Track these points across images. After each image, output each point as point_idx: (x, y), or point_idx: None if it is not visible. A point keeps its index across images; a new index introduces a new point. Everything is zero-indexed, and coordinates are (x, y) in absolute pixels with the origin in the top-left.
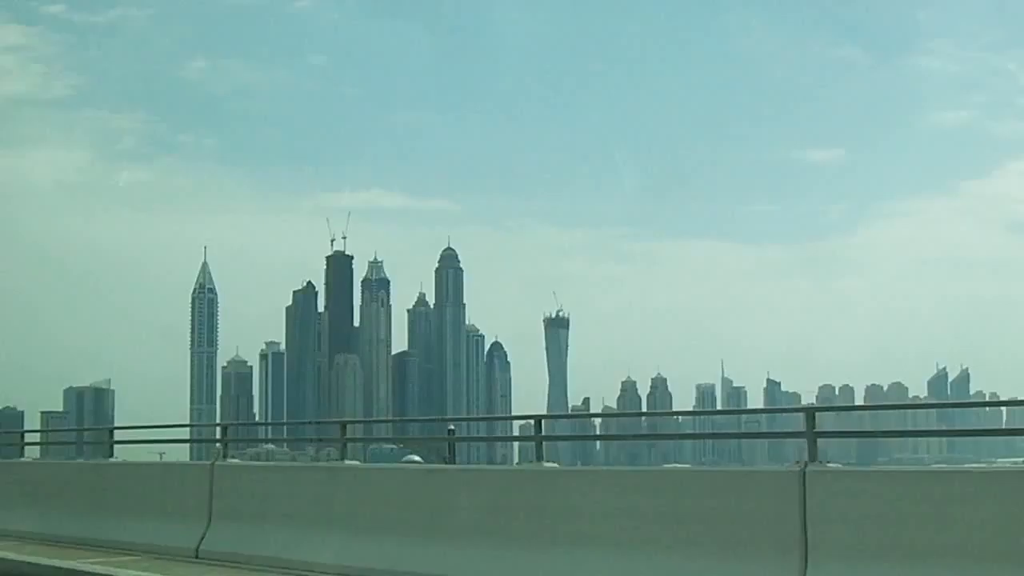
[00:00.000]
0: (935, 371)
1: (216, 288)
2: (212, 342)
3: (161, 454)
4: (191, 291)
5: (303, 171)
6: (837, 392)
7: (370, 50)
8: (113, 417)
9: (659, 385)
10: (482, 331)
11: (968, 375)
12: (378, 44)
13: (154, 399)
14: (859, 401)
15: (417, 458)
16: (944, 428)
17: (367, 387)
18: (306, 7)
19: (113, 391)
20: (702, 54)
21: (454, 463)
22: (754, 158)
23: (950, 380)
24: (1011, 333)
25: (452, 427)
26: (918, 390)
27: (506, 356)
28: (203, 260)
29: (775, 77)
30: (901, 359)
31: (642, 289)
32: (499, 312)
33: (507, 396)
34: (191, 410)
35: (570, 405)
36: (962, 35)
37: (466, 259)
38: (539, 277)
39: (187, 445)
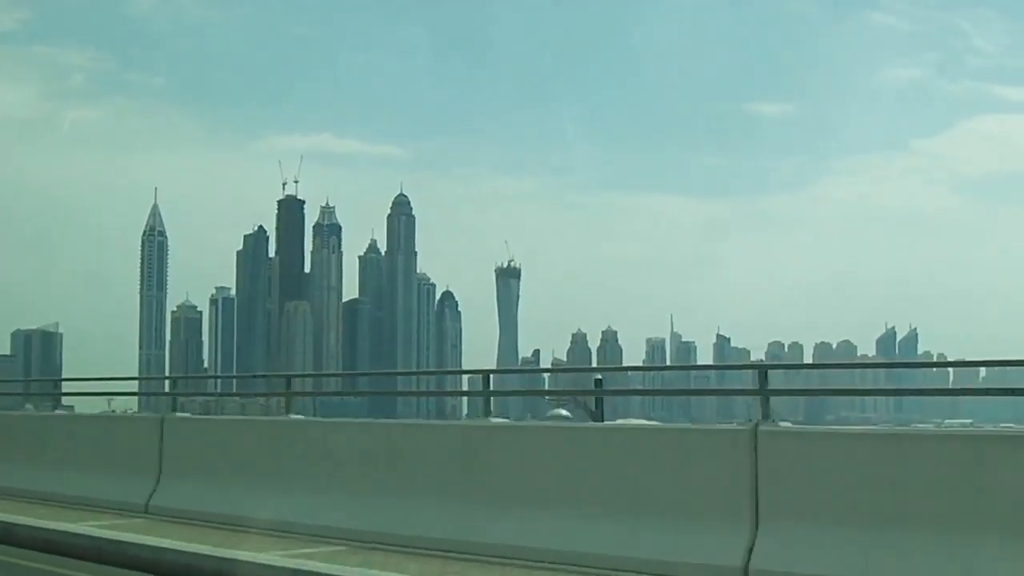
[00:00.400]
0: (884, 330)
1: (166, 231)
2: (162, 286)
3: (110, 400)
4: (141, 234)
5: (254, 112)
6: (786, 349)
7: None
8: (61, 360)
9: (609, 338)
10: (433, 280)
11: (916, 335)
12: None
13: (103, 343)
14: (808, 358)
15: (565, 412)
16: (892, 387)
17: (317, 334)
18: None
19: (61, 334)
20: (656, 4)
21: (601, 419)
22: (704, 110)
23: (899, 339)
24: (958, 293)
25: (599, 376)
26: (867, 349)
27: (457, 306)
28: (153, 202)
29: (728, 28)
30: (850, 317)
31: (591, 240)
32: (451, 261)
33: (457, 346)
34: (140, 355)
35: (520, 356)
36: None
37: (418, 207)
38: (491, 226)
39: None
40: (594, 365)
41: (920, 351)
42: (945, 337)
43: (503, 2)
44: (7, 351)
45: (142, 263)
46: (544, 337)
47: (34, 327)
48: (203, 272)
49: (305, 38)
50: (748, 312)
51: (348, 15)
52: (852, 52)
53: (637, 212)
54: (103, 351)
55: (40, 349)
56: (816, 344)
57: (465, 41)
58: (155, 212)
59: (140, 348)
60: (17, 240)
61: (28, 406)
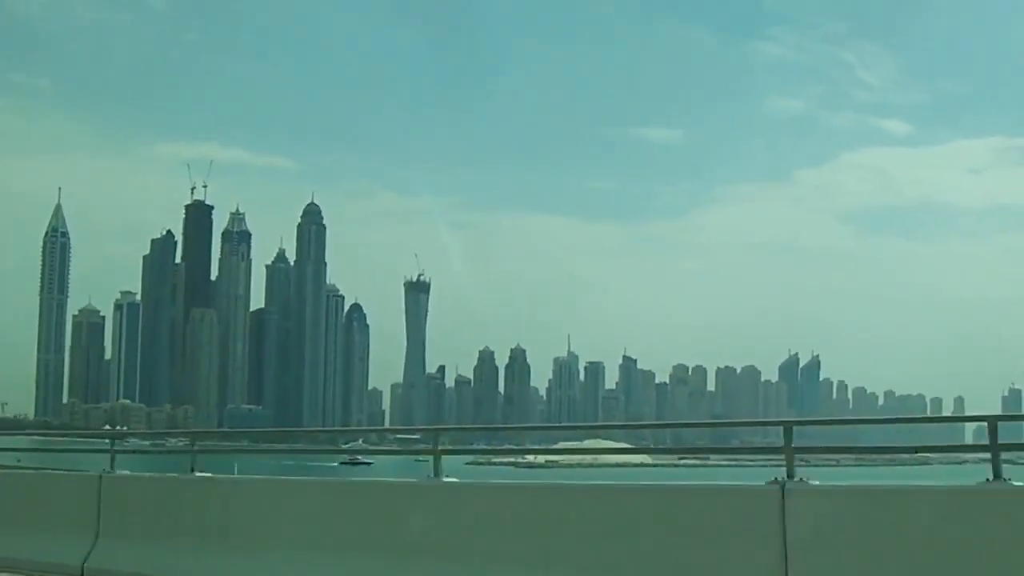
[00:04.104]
0: (787, 356)
1: (69, 232)
2: (63, 289)
3: (3, 404)
4: (43, 234)
5: (143, 117)
6: (690, 372)
7: None
8: None
9: (518, 356)
10: (342, 291)
11: (819, 362)
12: None
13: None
14: (711, 380)
15: None
16: (795, 413)
17: (223, 343)
18: None
19: None
20: (548, 24)
21: None
22: (592, 133)
23: (801, 366)
24: (847, 322)
25: None
26: (770, 374)
27: (365, 318)
28: (57, 202)
29: (619, 52)
30: (746, 342)
31: (483, 259)
32: (359, 273)
33: (365, 360)
34: (38, 360)
35: (426, 372)
36: (803, 23)
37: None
38: (386, 242)
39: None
40: (501, 383)
41: (821, 378)
42: (842, 365)
43: (390, 20)
44: None
45: (43, 264)
46: (450, 353)
47: None
48: (107, 276)
49: (191, 44)
50: (645, 333)
51: (237, 24)
52: (740, 81)
53: (525, 232)
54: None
55: None
56: (719, 368)
57: (353, 54)
58: (58, 212)
59: (38, 352)
60: None
61: None
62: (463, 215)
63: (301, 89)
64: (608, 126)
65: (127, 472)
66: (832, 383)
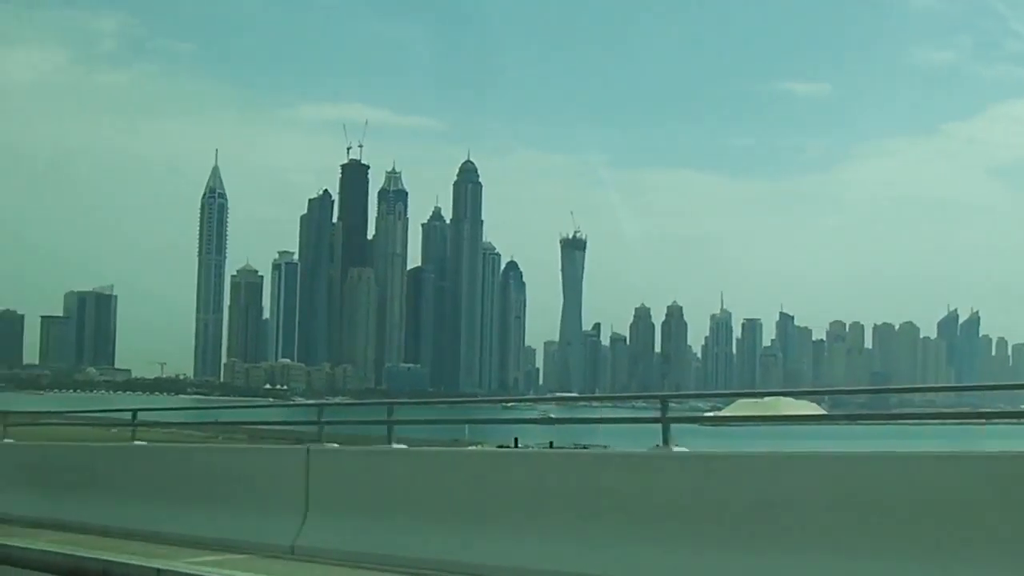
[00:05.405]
0: (946, 312)
1: (226, 194)
2: (221, 250)
3: (162, 364)
4: (200, 196)
5: (284, 80)
6: (847, 328)
7: None
8: (115, 323)
9: (675, 313)
10: (498, 249)
11: (978, 318)
12: None
13: (159, 306)
14: (868, 337)
15: None
16: (954, 370)
17: (381, 302)
18: None
19: (116, 296)
20: None
21: None
22: (735, 89)
23: (960, 323)
24: (1005, 278)
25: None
26: (928, 331)
27: (521, 276)
28: (214, 164)
29: (764, 4)
30: (902, 298)
31: (634, 216)
32: (514, 230)
33: (521, 317)
34: (197, 320)
35: (583, 329)
36: None
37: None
38: (537, 200)
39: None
40: (657, 341)
41: (981, 334)
42: (1003, 322)
43: None
44: (60, 313)
45: (201, 225)
46: (606, 311)
47: (88, 289)
48: (264, 236)
49: (331, 5)
50: (800, 289)
51: None
52: (887, 33)
53: (673, 188)
54: (159, 314)
55: (94, 312)
56: (877, 325)
57: (492, 16)
58: (215, 174)
59: (197, 312)
60: (65, 202)
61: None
62: (613, 172)
63: (441, 48)
64: (752, 81)
65: (335, 445)
66: (992, 340)
